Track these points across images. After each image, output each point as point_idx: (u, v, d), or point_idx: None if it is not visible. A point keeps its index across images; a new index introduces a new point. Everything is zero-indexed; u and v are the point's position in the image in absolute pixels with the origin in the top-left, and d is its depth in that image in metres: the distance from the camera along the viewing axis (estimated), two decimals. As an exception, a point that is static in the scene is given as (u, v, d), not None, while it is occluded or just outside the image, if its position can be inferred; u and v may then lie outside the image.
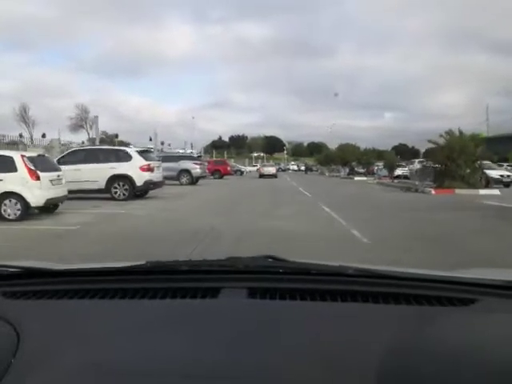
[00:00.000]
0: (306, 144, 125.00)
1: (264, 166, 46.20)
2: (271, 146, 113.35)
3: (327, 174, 50.81)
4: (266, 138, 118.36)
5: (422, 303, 0.99)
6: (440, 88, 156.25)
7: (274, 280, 1.09)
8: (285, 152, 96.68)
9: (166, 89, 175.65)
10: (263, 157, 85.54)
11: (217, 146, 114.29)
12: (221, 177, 35.77)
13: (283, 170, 70.38)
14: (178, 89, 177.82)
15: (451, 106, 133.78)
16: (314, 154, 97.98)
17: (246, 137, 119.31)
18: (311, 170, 70.11)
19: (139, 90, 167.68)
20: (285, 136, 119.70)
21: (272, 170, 40.43)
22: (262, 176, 38.86)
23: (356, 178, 35.35)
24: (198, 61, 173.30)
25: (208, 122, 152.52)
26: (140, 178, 13.73)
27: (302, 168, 78.86)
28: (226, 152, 71.03)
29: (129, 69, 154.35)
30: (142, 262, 1.14)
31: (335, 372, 0.75)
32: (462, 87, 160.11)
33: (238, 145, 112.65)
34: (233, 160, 69.99)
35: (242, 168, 51.19)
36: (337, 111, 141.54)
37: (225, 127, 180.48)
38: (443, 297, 1.01)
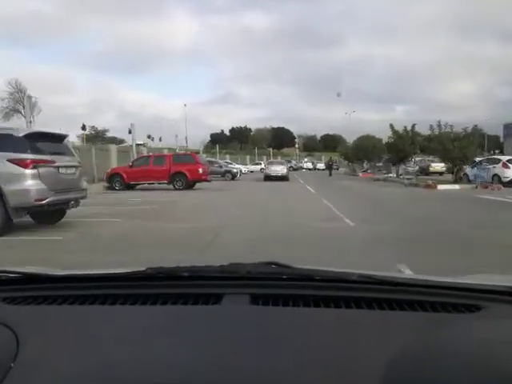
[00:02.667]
0: (318, 137, 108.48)
1: (271, 163, 31.46)
2: (279, 139, 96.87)
3: (360, 175, 34.49)
4: (273, 129, 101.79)
5: (427, 310, 0.97)
6: (453, 79, 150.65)
7: (277, 286, 1.07)
8: (296, 146, 78.26)
9: (171, 84, 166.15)
10: (269, 152, 68.77)
11: (216, 140, 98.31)
12: (188, 185, 19.56)
13: (295, 169, 54.01)
14: (183, 84, 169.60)
15: (464, 97, 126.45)
16: (333, 147, 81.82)
17: (250, 129, 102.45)
18: (331, 168, 56.12)
19: (143, 85, 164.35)
20: (294, 130, 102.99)
21: (281, 169, 28.12)
22: (267, 178, 27.20)
23: (443, 187, 18.74)
24: (202, 54, 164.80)
25: (213, 117, 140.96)
26: None
27: (319, 166, 62.64)
28: (217, 146, 53.87)
29: (131, 64, 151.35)
30: (143, 268, 1.12)
31: (339, 379, 0.74)
32: (475, 77, 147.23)
33: (240, 139, 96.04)
34: (228, 157, 53.89)
35: (235, 167, 33.85)
36: (346, 104, 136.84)
37: (231, 122, 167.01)
38: (449, 303, 0.99)
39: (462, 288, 1.05)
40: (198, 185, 20.30)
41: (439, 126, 21.63)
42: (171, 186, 19.36)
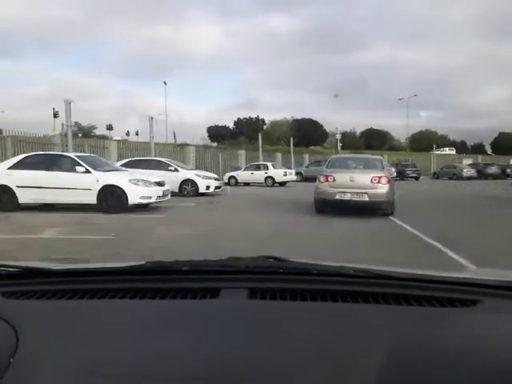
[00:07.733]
0: (358, 133, 79.33)
1: (339, 162, 9.54)
2: (304, 134, 68.08)
3: None
4: (296, 121, 72.83)
5: (423, 304, 0.97)
6: (481, 84, 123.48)
7: (275, 280, 1.07)
8: (337, 137, 47.37)
9: (194, 90, 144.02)
10: (289, 150, 40.02)
11: (217, 136, 70.59)
12: None
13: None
14: (206, 89, 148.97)
15: (493, 103, 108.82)
16: (380, 145, 54.57)
17: (263, 120, 73.68)
18: (399, 176, 33.47)
19: (166, 91, 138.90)
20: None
21: (371, 183, 8.40)
22: (324, 206, 9.34)
23: None
24: (224, 60, 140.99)
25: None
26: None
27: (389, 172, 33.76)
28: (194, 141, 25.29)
29: (154, 70, 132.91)
30: (142, 262, 1.12)
31: (336, 373, 0.75)
32: (505, 82, 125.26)
33: (250, 134, 67.54)
34: (191, 155, 26.24)
35: None
36: (372, 110, 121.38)
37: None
38: (444, 298, 0.99)
39: (457, 282, 1.04)
40: None
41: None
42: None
